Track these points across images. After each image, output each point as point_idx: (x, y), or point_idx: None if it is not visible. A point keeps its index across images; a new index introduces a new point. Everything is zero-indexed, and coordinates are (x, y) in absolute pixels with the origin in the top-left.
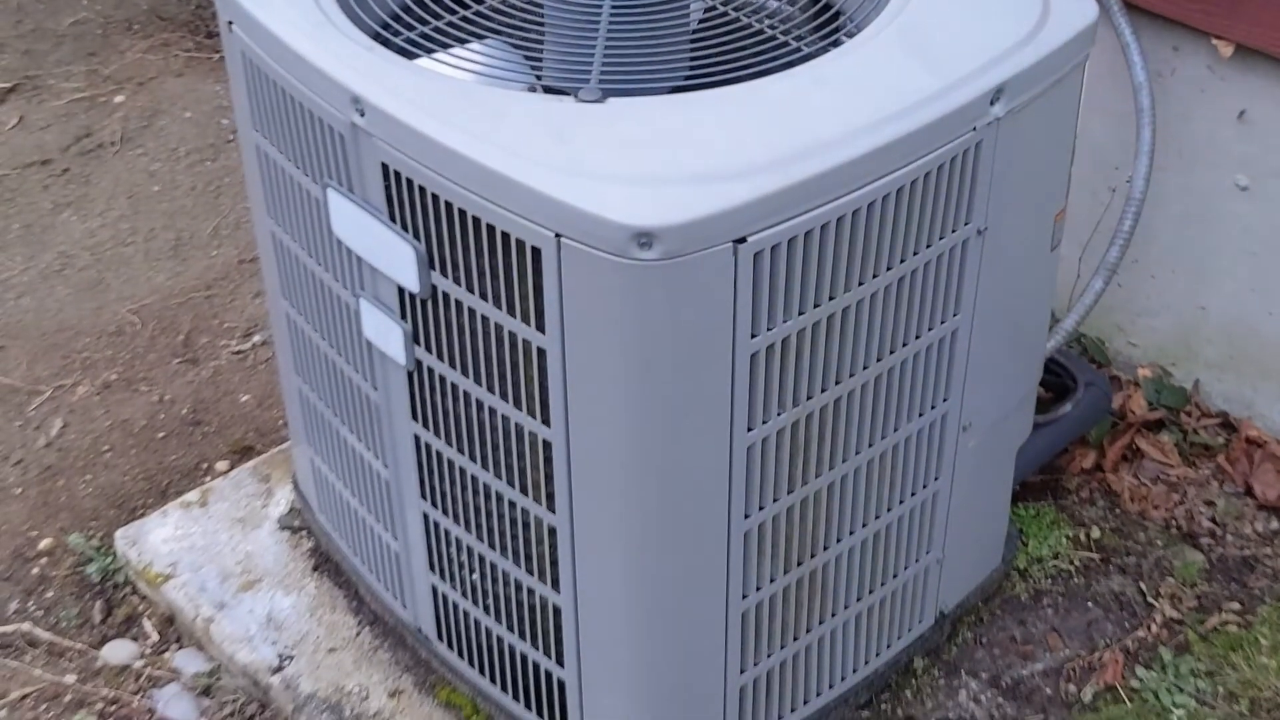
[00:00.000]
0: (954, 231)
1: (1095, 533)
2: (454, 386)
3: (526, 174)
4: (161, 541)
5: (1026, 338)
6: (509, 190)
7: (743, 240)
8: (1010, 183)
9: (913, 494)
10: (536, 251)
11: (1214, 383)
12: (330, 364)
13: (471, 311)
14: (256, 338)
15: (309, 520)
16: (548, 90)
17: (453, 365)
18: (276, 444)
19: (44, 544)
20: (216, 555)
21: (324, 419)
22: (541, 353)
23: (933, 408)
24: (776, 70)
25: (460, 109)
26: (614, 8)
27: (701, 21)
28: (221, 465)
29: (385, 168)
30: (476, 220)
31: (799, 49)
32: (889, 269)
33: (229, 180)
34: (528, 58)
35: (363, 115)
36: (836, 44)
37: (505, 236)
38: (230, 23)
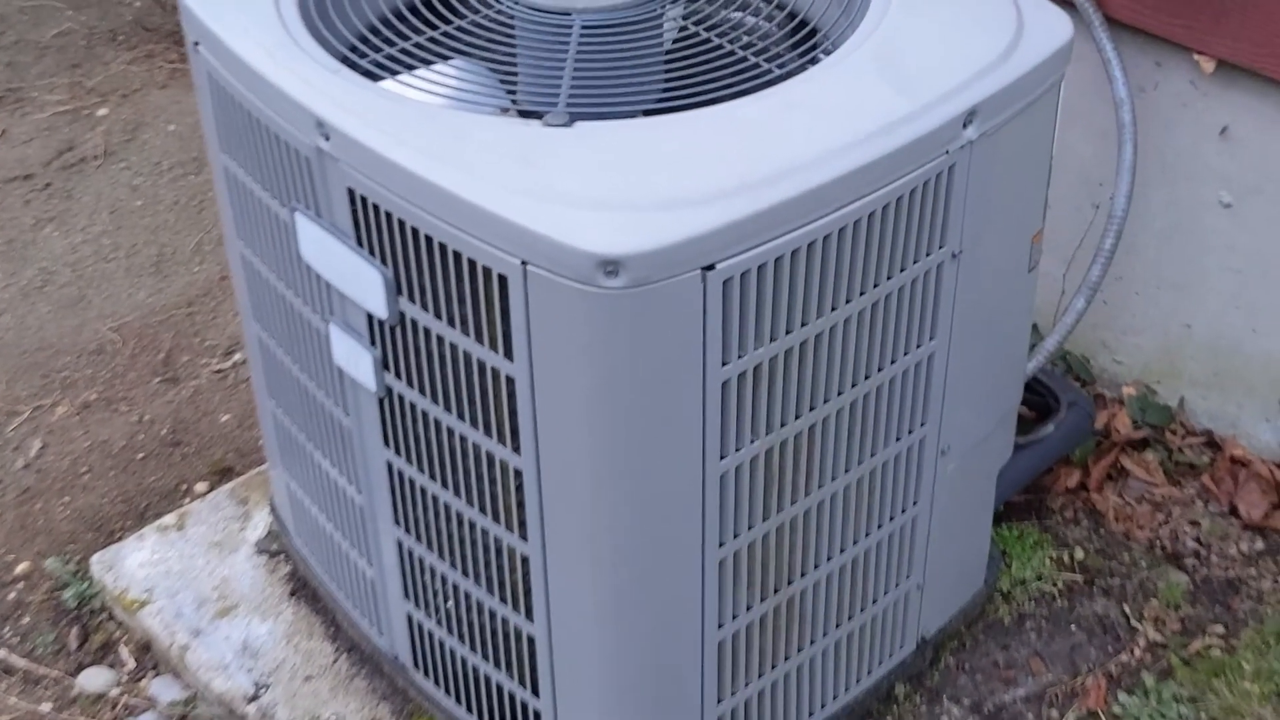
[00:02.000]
0: (928, 255)
1: (1079, 554)
2: (425, 413)
3: (491, 199)
4: (138, 566)
5: (1005, 359)
6: (474, 216)
7: (711, 267)
8: (985, 205)
9: (891, 519)
10: (503, 279)
11: (1199, 400)
12: (302, 388)
13: (440, 338)
14: (237, 356)
15: (286, 544)
16: (522, 113)
17: (423, 392)
18: (256, 464)
19: (20, 568)
20: (193, 580)
21: (298, 442)
22: (510, 380)
23: (910, 432)
24: (749, 93)
25: (426, 133)
26: (584, 28)
27: (675, 43)
28: (201, 487)
29: (351, 193)
30: (443, 247)
31: (770, 70)
32: (862, 294)
33: (212, 195)
34: (501, 79)
35: (328, 140)
36: (812, 63)
37: (471, 263)
38: (196, 43)
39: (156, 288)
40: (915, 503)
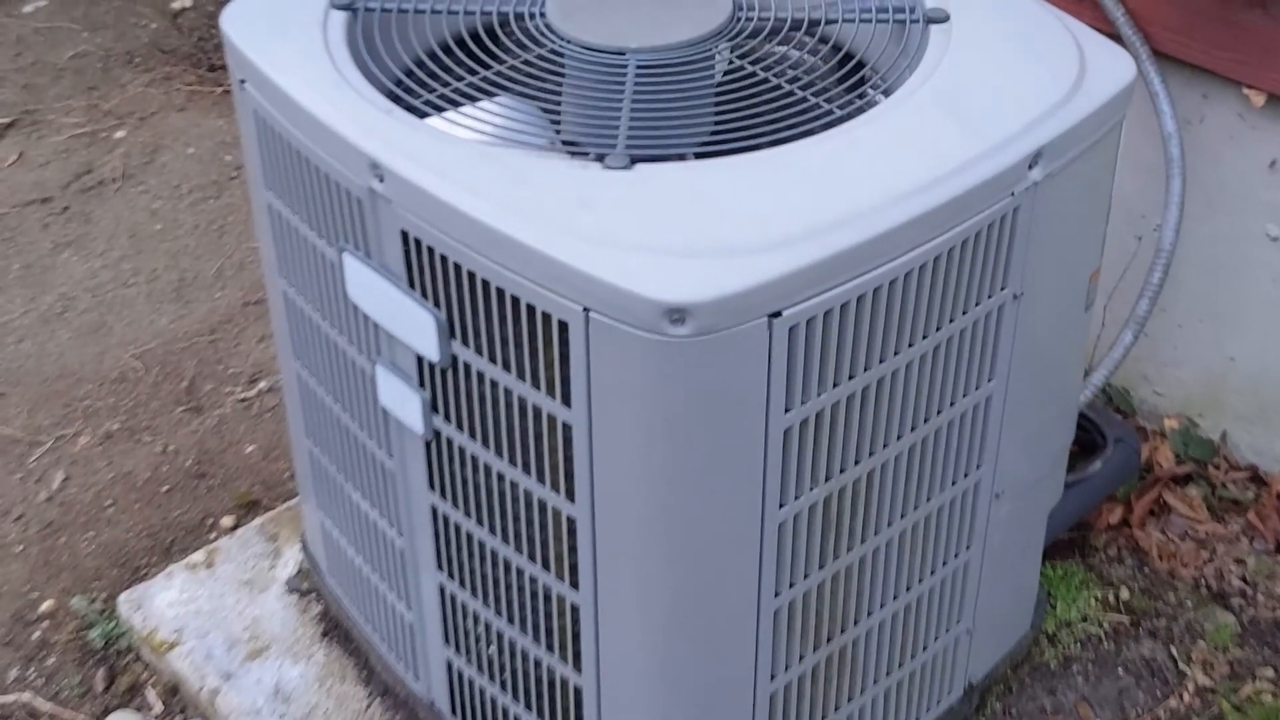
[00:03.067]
0: (990, 297)
1: (1124, 593)
2: (474, 458)
3: (552, 245)
4: (167, 606)
5: (1060, 399)
6: (534, 261)
7: (778, 314)
8: (1046, 246)
9: (944, 564)
10: (563, 325)
11: (1242, 435)
12: (344, 428)
13: (494, 383)
14: (262, 384)
15: (318, 583)
16: (566, 145)
17: (473, 436)
18: (283, 497)
19: (45, 606)
20: (223, 621)
21: (336, 483)
22: (567, 427)
23: (966, 475)
24: (809, 134)
25: (483, 175)
26: (639, 67)
27: (725, 77)
28: (227, 520)
29: (405, 234)
30: (500, 291)
31: (831, 111)
32: (925, 337)
33: (232, 219)
34: (545, 111)
35: (381, 181)
36: (869, 104)
37: (530, 308)
38: (243, 81)
39: (178, 314)
40: (968, 547)
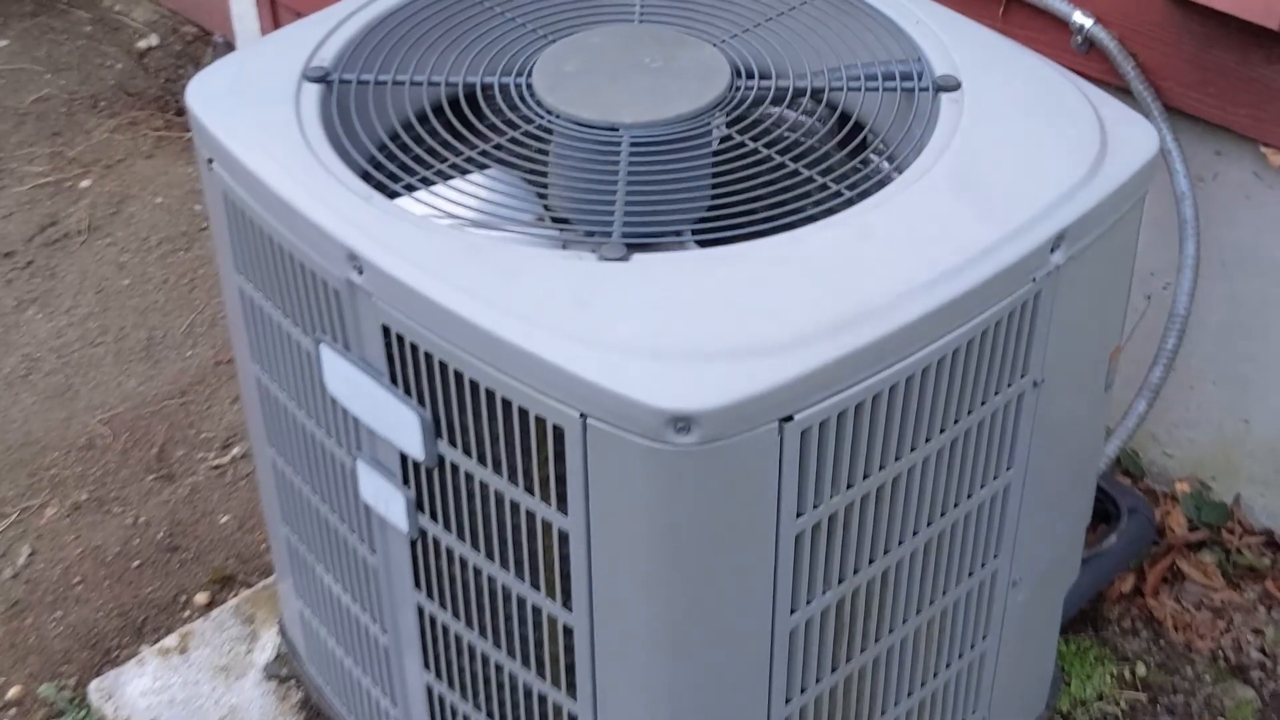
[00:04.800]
0: (1009, 386)
1: (1140, 669)
2: (463, 559)
3: (546, 347)
4: (139, 695)
5: (1079, 483)
6: (527, 364)
7: (789, 418)
8: (1068, 329)
9: (960, 656)
10: (559, 431)
11: (1256, 498)
12: (323, 520)
13: (484, 485)
14: (235, 450)
15: (297, 669)
16: (555, 220)
17: (461, 537)
18: (259, 572)
19: (12, 693)
20: (199, 710)
21: (314, 573)
22: (563, 534)
23: (982, 566)
24: (817, 218)
25: (470, 268)
26: (633, 144)
27: (724, 153)
28: (201, 597)
29: (386, 329)
30: (490, 393)
31: (840, 192)
32: (942, 431)
33: (203, 272)
34: (532, 184)
35: (360, 273)
36: (879, 184)
37: (523, 412)
38: (210, 160)
39: (147, 375)
40: (985, 637)
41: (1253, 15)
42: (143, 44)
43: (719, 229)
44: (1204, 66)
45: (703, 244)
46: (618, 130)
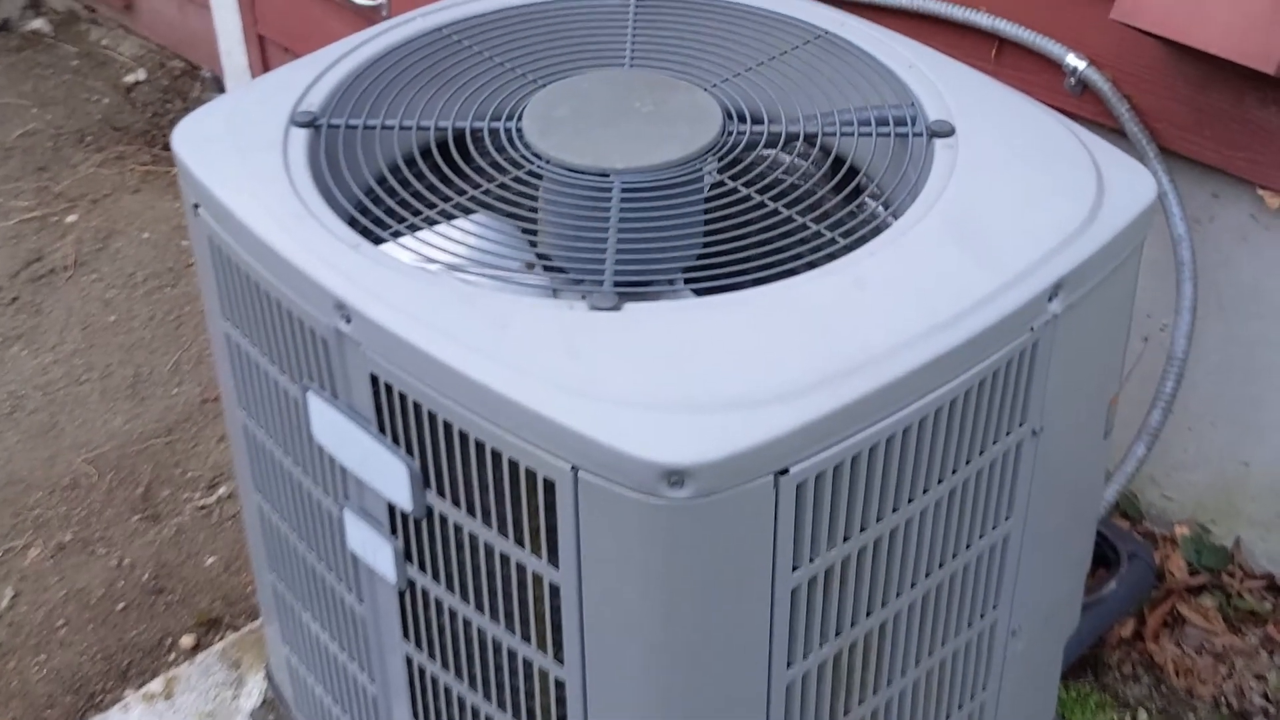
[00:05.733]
0: (1008, 435)
1: (1142, 715)
2: (452, 610)
3: (537, 398)
4: None
5: (1079, 531)
6: (517, 415)
7: (785, 471)
8: (1066, 377)
9: (960, 708)
10: (550, 484)
11: (1257, 541)
12: (309, 568)
13: (473, 536)
14: (222, 490)
15: (285, 716)
16: (547, 267)
17: (450, 589)
18: (245, 614)
19: None
20: None
21: (301, 620)
22: (554, 587)
23: (982, 617)
24: (812, 265)
25: (459, 317)
26: (624, 190)
27: (717, 199)
28: (186, 640)
29: (374, 379)
30: (480, 444)
31: (834, 240)
32: (940, 482)
33: (189, 309)
34: (522, 229)
35: (348, 322)
36: (874, 230)
37: (513, 464)
38: (196, 206)
39: (133, 413)
40: (984, 688)
41: (1249, 60)
42: (130, 79)
43: (712, 276)
44: (1199, 109)
45: (696, 291)
46: (609, 176)
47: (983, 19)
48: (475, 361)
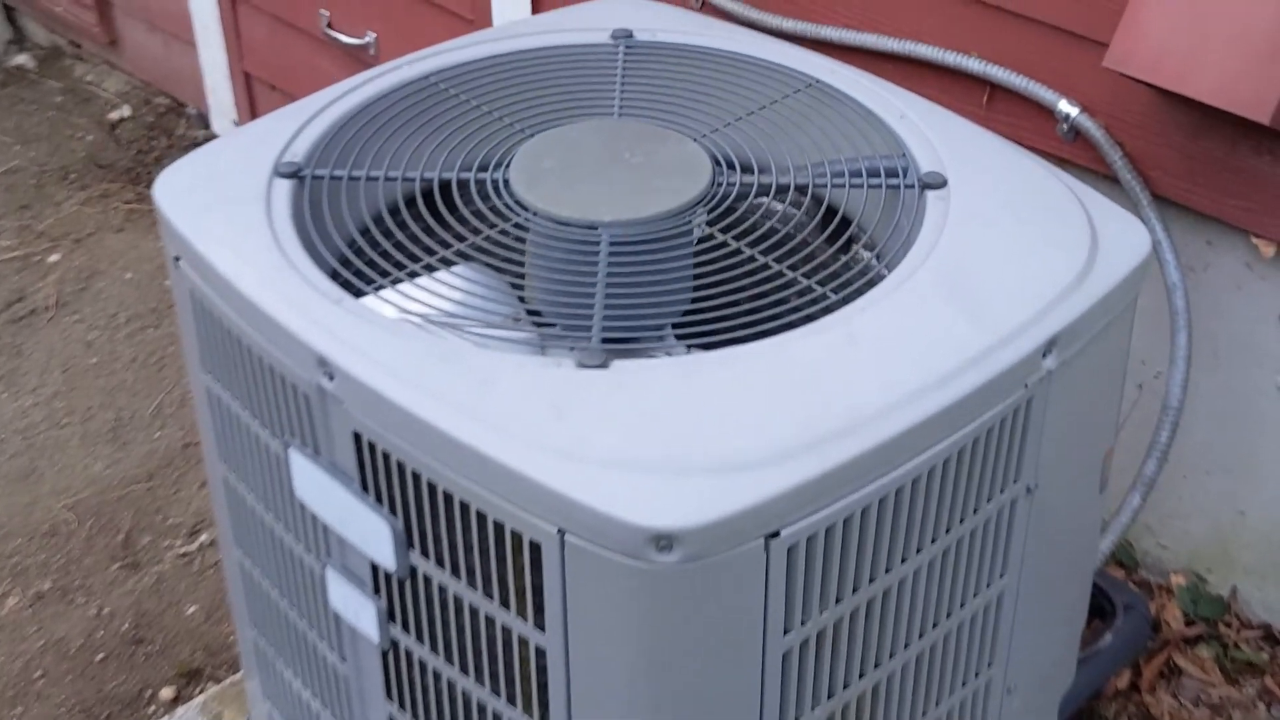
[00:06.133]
0: (1002, 492)
1: None
2: (436, 672)
3: (522, 460)
4: None
5: (1075, 586)
6: (503, 477)
7: (775, 534)
8: (1060, 433)
9: None
10: (535, 546)
11: (1254, 591)
12: (291, 624)
13: (458, 597)
14: (203, 537)
15: None
16: (534, 321)
17: (434, 650)
18: (227, 665)
19: None
20: None
21: (283, 677)
22: (540, 651)
23: (976, 675)
24: (803, 322)
25: (444, 376)
26: (613, 243)
27: (706, 252)
28: (166, 692)
29: (357, 437)
30: (465, 505)
31: (825, 295)
32: (934, 541)
33: (172, 350)
34: (508, 280)
35: (331, 379)
36: (867, 284)
37: (498, 526)
38: (177, 258)
39: (114, 458)
40: None
41: (1243, 109)
42: (114, 115)
43: (701, 332)
44: (1193, 156)
45: (685, 343)
46: (597, 229)
47: (974, 64)
48: (460, 421)
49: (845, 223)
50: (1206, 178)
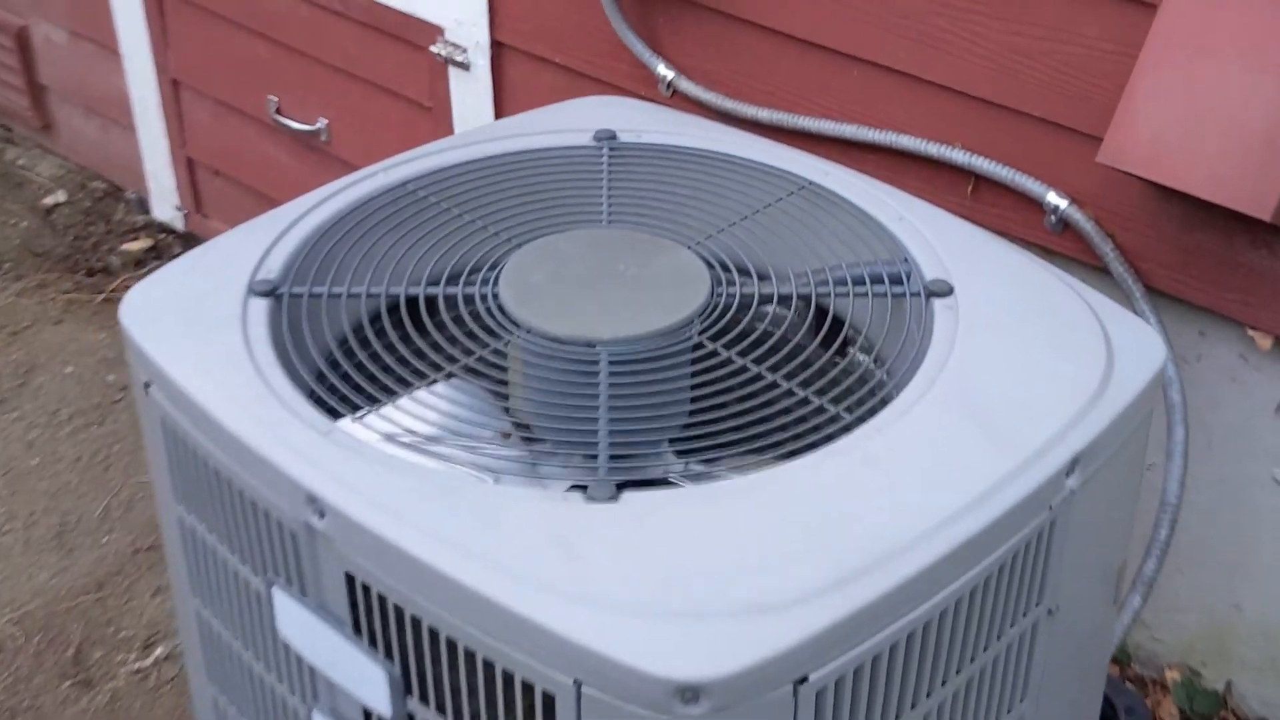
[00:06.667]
0: (1024, 617)
1: None
2: None
3: (534, 605)
4: None
5: (1088, 700)
6: (513, 624)
7: (804, 679)
8: (1080, 551)
9: None
10: (549, 697)
11: (1250, 685)
12: None
13: None
14: (159, 650)
15: None
16: (523, 434)
17: None
18: None
19: None
20: None
21: None
22: None
23: None
24: (817, 444)
25: (444, 512)
26: (613, 362)
27: (705, 369)
28: None
29: (350, 578)
30: (470, 652)
31: (839, 416)
32: (958, 672)
33: (118, 448)
34: (496, 395)
35: (322, 517)
36: (882, 402)
37: (508, 675)
38: (147, 384)
39: (60, 566)
40: None
41: (1243, 206)
42: (49, 200)
43: (703, 448)
44: (1187, 249)
45: (695, 476)
46: (595, 347)
47: (959, 155)
48: (464, 564)
49: (845, 329)
50: (1201, 270)
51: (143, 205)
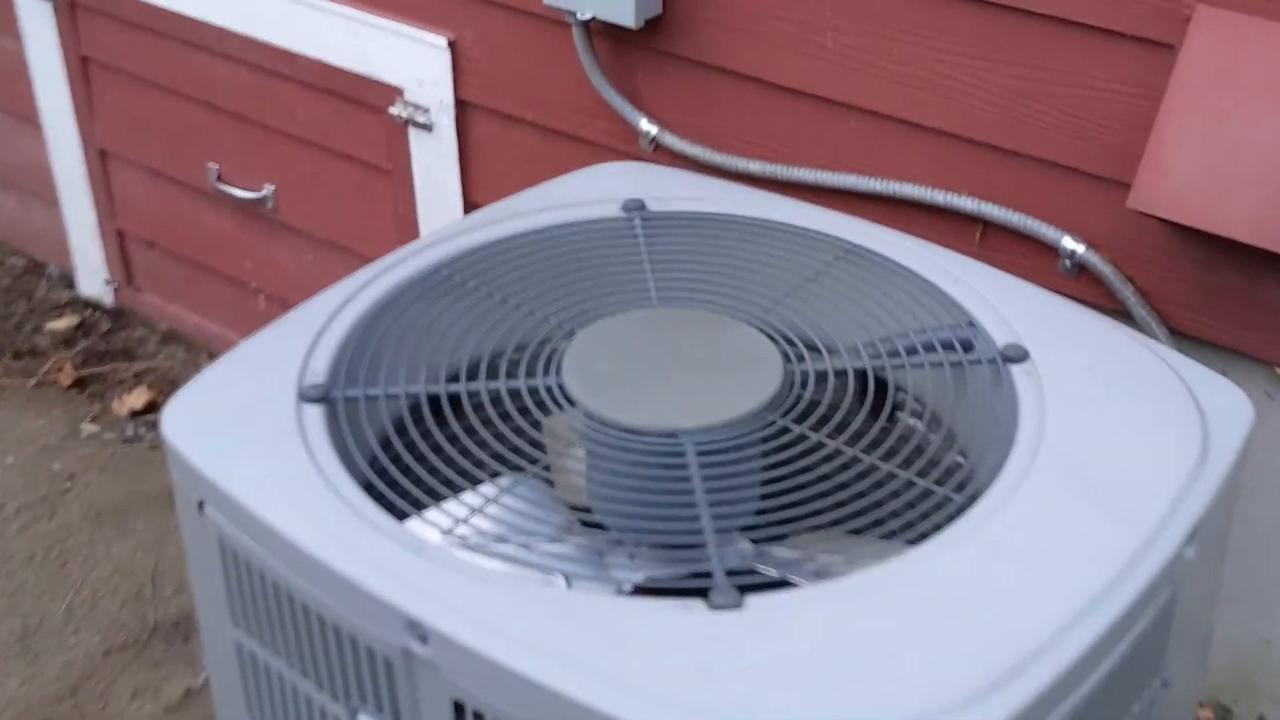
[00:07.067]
0: (1145, 692)
1: None
2: None
3: None
4: None
5: None
6: None
7: None
8: (1189, 621)
9: None
10: None
11: None
12: None
13: None
14: None
15: None
16: (585, 523)
17: None
18: None
19: None
20: None
21: None
22: None
23: None
24: (932, 530)
25: (562, 633)
26: (700, 453)
27: (797, 455)
28: None
29: (459, 706)
30: None
31: (948, 498)
32: None
33: (73, 542)
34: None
35: (425, 643)
36: (987, 481)
37: None
38: (201, 504)
39: (28, 673)
40: None
41: (1271, 244)
42: None
43: (776, 533)
44: (1210, 289)
45: (755, 550)
46: (678, 437)
47: (967, 203)
48: (597, 689)
49: (909, 400)
50: (1226, 311)
51: (67, 281)
